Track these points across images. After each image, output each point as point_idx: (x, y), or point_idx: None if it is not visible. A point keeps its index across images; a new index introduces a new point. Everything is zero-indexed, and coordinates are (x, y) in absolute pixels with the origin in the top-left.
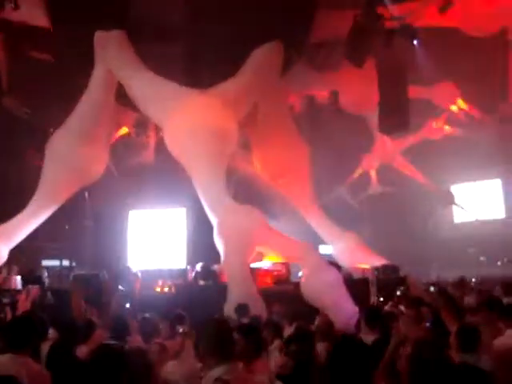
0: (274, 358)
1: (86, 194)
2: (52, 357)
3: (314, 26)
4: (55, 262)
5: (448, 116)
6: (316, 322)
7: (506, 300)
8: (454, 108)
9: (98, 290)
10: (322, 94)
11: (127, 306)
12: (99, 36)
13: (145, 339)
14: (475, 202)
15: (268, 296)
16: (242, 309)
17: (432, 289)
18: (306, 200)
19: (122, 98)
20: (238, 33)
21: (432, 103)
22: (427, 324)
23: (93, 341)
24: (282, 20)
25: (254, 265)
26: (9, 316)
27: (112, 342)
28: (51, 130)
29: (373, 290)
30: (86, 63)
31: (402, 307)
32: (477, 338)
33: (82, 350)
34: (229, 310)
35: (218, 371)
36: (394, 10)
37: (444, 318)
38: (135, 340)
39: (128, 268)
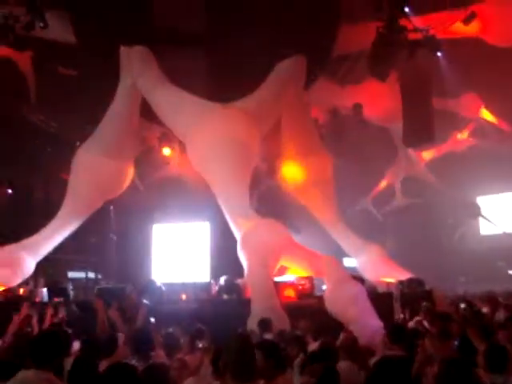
0: (297, 374)
1: (112, 208)
2: (75, 372)
3: (336, 39)
4: (81, 274)
5: (473, 127)
6: (340, 339)
7: None
8: (479, 119)
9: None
10: (345, 107)
11: (152, 320)
12: (124, 51)
13: (167, 354)
14: (502, 213)
15: (292, 310)
16: (264, 324)
17: (462, 306)
18: (330, 213)
19: (147, 112)
20: (261, 46)
21: (457, 115)
22: (455, 341)
23: (116, 356)
24: (305, 34)
25: (277, 279)
26: (35, 329)
27: (134, 359)
28: (77, 143)
29: (396, 305)
30: (111, 78)
31: (426, 323)
32: (506, 357)
33: (105, 366)
34: (252, 324)
35: None
36: (416, 21)
37: (471, 336)
38: (159, 355)
39: (153, 281)
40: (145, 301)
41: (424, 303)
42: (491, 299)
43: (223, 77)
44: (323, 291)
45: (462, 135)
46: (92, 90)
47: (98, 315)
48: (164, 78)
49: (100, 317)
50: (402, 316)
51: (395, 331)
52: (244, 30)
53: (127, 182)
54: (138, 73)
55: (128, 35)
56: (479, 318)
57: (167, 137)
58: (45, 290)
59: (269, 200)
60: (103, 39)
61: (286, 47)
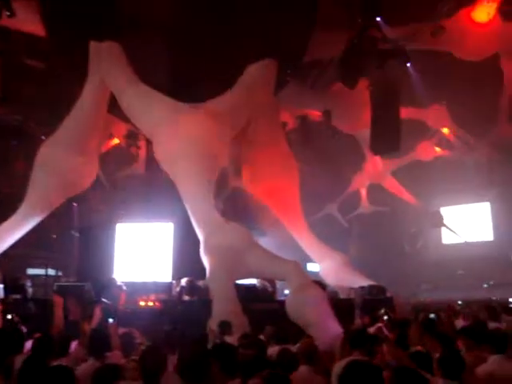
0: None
1: (75, 204)
2: (24, 371)
3: (308, 45)
4: (41, 271)
5: (439, 138)
6: (299, 344)
7: (491, 325)
8: (445, 130)
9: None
10: (314, 113)
11: (111, 319)
12: (94, 46)
13: (125, 355)
14: (464, 224)
15: (253, 314)
16: (224, 326)
17: (432, 315)
18: (295, 218)
19: (115, 108)
20: (233, 49)
21: (424, 125)
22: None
23: (70, 356)
24: (277, 38)
25: (239, 282)
26: None
27: (90, 359)
28: (42, 137)
29: (357, 311)
30: (79, 72)
31: (385, 329)
32: (461, 365)
33: None
34: (213, 327)
35: None
36: (387, 32)
37: (427, 343)
38: (115, 356)
39: (113, 280)
40: (104, 300)
41: (382, 310)
42: (450, 307)
43: (193, 78)
44: (286, 296)
45: (429, 145)
46: (59, 84)
47: (54, 312)
48: (133, 75)
49: (57, 314)
50: (360, 322)
51: (355, 336)
52: (216, 31)
53: (92, 179)
54: (107, 69)
55: (98, 28)
56: (437, 326)
57: (134, 135)
58: (1, 286)
59: (235, 203)
60: (73, 32)
61: (259, 50)
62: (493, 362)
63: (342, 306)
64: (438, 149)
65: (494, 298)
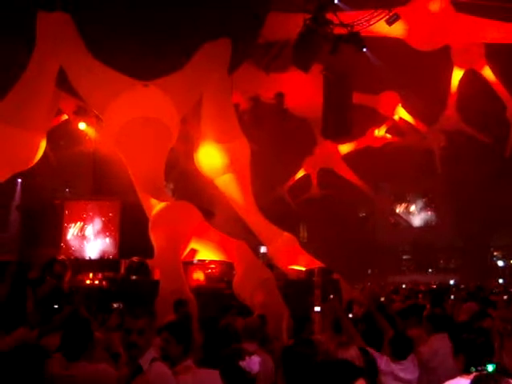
0: None
1: (19, 181)
2: None
3: (264, 25)
4: None
5: (390, 125)
6: (245, 323)
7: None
8: (396, 117)
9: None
10: (267, 95)
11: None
12: (42, 17)
13: None
14: (411, 210)
15: (200, 293)
16: (179, 305)
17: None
18: (245, 199)
19: (64, 83)
20: (187, 27)
21: (376, 111)
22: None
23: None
24: (232, 18)
25: (187, 262)
26: None
27: None
28: None
29: (317, 292)
30: (27, 42)
31: None
32: (409, 346)
33: None
34: (160, 305)
35: None
36: (343, 17)
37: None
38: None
39: (57, 257)
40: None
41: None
42: (396, 291)
43: (146, 54)
44: (233, 276)
45: (380, 132)
46: (5, 54)
47: None
48: (85, 49)
49: None
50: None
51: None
52: (171, 7)
53: (38, 155)
54: (56, 40)
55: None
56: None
57: (84, 111)
58: None
59: (185, 182)
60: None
61: (213, 29)
62: (434, 340)
63: (297, 289)
64: (388, 135)
65: (436, 283)
